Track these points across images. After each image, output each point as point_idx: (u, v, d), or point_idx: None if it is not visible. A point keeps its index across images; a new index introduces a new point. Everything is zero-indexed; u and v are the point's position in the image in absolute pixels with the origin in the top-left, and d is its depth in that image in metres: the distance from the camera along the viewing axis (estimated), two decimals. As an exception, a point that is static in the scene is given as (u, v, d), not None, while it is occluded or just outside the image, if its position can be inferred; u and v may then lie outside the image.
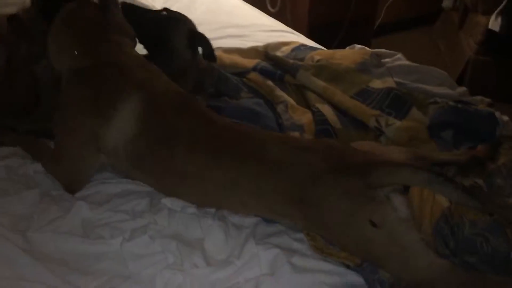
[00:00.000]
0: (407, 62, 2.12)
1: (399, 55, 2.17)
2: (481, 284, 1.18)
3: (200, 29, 2.66)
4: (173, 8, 2.85)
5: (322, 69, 1.97)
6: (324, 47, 2.43)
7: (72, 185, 1.46)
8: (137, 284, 1.19)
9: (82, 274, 1.21)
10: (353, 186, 1.25)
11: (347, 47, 2.30)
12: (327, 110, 1.80)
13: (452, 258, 1.26)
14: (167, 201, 1.41)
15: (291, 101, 1.87)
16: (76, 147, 1.46)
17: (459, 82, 2.73)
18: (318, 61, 2.03)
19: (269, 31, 2.68)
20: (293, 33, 2.68)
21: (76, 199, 1.42)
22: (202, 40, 1.83)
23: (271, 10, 3.34)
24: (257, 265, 1.24)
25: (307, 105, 1.87)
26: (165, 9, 1.90)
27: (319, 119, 1.75)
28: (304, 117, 1.78)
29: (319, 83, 1.89)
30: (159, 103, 1.46)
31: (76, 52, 1.48)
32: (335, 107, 1.83)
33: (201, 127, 1.44)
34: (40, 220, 1.34)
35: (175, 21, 1.83)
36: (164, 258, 1.26)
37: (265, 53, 2.16)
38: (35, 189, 1.42)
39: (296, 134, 1.69)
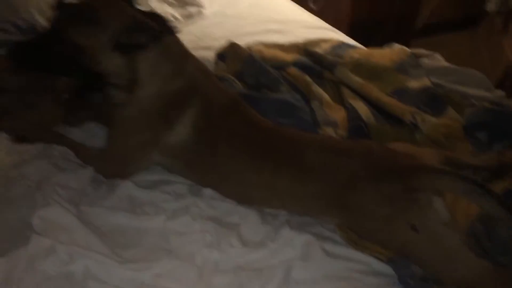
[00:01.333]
0: (445, 63, 2.14)
1: (438, 56, 2.19)
2: None
3: (242, 23, 2.77)
4: (217, 3, 3.00)
5: (360, 67, 2.02)
6: (364, 45, 2.46)
7: (116, 177, 1.52)
8: (178, 259, 1.29)
9: (129, 246, 1.32)
10: (393, 192, 1.28)
11: (386, 46, 2.33)
12: (361, 106, 1.85)
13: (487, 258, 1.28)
14: (209, 190, 1.50)
15: (326, 97, 1.92)
16: (135, 147, 1.52)
17: (499, 87, 2.70)
18: (356, 59, 2.08)
19: (310, 27, 2.73)
20: (333, 31, 2.72)
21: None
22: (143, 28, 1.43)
23: (313, 7, 3.38)
24: (290, 249, 1.32)
25: (342, 102, 1.93)
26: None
27: (352, 116, 1.80)
28: (338, 114, 1.84)
29: (357, 80, 1.94)
30: (211, 108, 1.51)
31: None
32: (371, 103, 1.87)
33: (244, 129, 1.50)
34: (92, 196, 1.46)
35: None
36: (203, 237, 1.35)
37: (305, 49, 2.22)
38: (88, 168, 1.53)
39: (329, 129, 1.75)
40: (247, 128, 1.50)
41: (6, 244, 1.26)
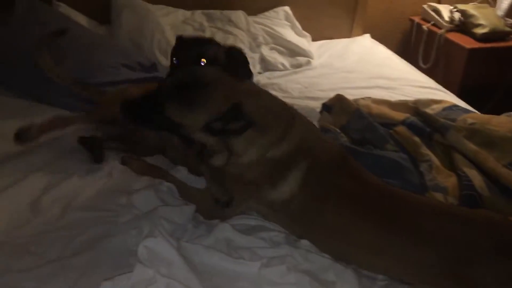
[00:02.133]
0: None
1: None
2: None
3: (350, 76, 2.78)
4: (326, 55, 3.05)
5: (475, 133, 1.92)
6: (475, 109, 2.36)
7: (215, 218, 1.55)
8: (270, 310, 1.26)
9: (223, 288, 1.32)
10: None
11: (504, 114, 2.20)
12: (474, 175, 1.74)
13: None
14: (306, 241, 1.47)
15: (436, 161, 1.84)
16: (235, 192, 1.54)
17: None
18: (471, 124, 1.98)
19: (419, 86, 2.68)
20: (444, 92, 2.64)
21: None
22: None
23: (423, 66, 3.32)
24: (388, 319, 1.24)
25: (453, 168, 1.83)
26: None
27: (465, 184, 1.69)
28: (449, 180, 1.74)
29: (471, 147, 1.84)
30: (319, 166, 1.48)
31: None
32: (485, 173, 1.75)
33: (352, 187, 1.45)
34: (192, 233, 1.49)
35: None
36: (297, 291, 1.31)
37: (415, 108, 2.16)
38: (191, 205, 1.57)
39: (439, 195, 1.66)
40: (356, 185, 1.45)
41: (112, 268, 1.32)
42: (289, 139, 1.49)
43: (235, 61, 1.88)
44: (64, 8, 2.66)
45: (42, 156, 1.82)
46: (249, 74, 2.01)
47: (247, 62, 1.98)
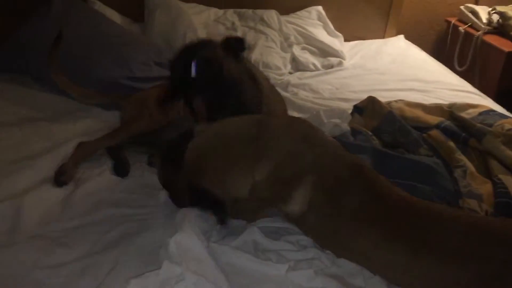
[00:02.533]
0: None
1: None
2: None
3: (383, 78, 2.73)
4: (358, 56, 3.01)
5: (513, 139, 1.86)
6: (512, 115, 2.29)
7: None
8: (296, 313, 1.25)
9: (249, 289, 1.31)
10: None
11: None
12: (511, 182, 1.69)
13: None
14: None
15: (471, 167, 1.78)
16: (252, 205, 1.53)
17: None
18: (509, 130, 1.92)
19: (454, 90, 2.62)
20: (480, 96, 2.57)
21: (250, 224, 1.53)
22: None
23: (458, 68, 3.24)
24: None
25: (488, 174, 1.78)
26: None
27: (501, 191, 1.64)
28: (484, 187, 1.69)
29: (508, 153, 1.78)
30: (328, 182, 1.40)
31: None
32: (522, 181, 1.70)
33: (369, 202, 1.36)
34: (219, 233, 1.48)
35: None
36: (324, 295, 1.29)
37: (450, 112, 2.11)
38: (221, 203, 1.57)
39: (473, 202, 1.61)
40: (373, 200, 1.37)
41: (141, 265, 1.33)
42: (269, 156, 1.43)
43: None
44: (99, 6, 2.70)
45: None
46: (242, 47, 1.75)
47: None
